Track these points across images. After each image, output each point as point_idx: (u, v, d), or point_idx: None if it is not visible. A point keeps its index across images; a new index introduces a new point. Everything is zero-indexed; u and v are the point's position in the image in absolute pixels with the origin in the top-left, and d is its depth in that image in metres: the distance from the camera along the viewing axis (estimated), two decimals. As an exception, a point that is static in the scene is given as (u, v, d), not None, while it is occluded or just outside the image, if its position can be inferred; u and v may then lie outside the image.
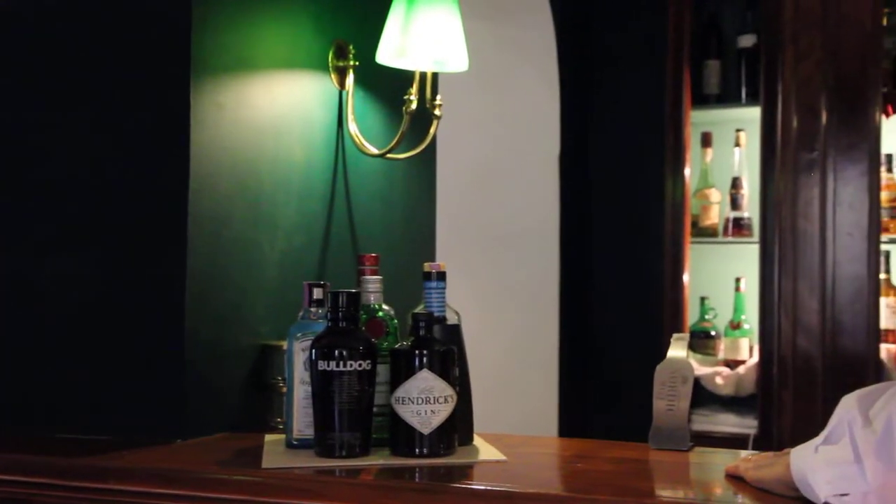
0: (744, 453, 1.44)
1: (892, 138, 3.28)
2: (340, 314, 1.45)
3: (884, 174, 3.18)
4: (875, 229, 3.08)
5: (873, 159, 3.09)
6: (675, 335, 1.60)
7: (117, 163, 1.67)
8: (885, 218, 3.19)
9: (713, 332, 3.51)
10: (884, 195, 3.18)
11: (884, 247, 3.18)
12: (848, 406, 1.13)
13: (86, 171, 1.69)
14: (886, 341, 3.21)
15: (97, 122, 1.69)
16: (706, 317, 3.52)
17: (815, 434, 1.18)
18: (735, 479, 1.32)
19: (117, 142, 1.68)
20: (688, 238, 3.39)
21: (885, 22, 3.17)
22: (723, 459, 1.45)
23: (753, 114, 3.30)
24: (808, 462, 1.14)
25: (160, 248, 1.63)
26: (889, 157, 3.26)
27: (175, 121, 1.62)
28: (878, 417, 1.09)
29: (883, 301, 3.17)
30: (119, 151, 1.67)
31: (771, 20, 3.23)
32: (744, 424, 3.26)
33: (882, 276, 3.19)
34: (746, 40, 3.48)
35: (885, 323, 3.19)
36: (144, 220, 1.65)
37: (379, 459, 1.43)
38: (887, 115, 3.19)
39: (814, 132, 3.14)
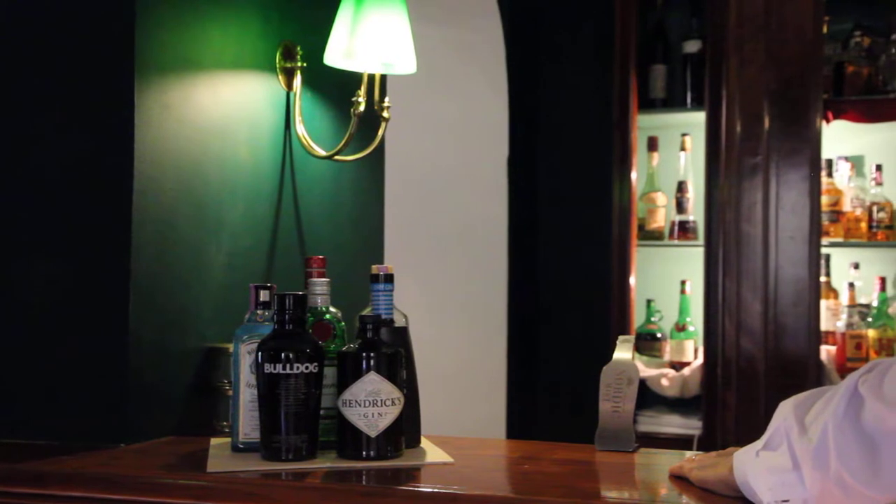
0: (688, 454, 1.46)
1: (833, 144, 3.34)
2: (287, 316, 1.44)
3: (824, 179, 3.24)
4: (816, 233, 3.14)
5: (814, 164, 3.15)
6: (621, 337, 1.62)
7: (60, 163, 1.64)
8: (825, 222, 3.25)
9: (659, 335, 3.55)
10: (824, 199, 3.24)
11: (824, 250, 3.24)
12: (784, 413, 1.16)
13: (28, 171, 1.66)
14: (826, 343, 3.27)
15: (39, 122, 1.66)
16: (652, 319, 3.56)
17: (758, 435, 1.20)
18: (679, 479, 1.33)
19: (60, 142, 1.65)
20: (634, 241, 3.43)
21: (825, 29, 3.24)
22: (668, 460, 1.46)
23: (698, 118, 3.35)
24: (750, 467, 1.18)
25: (103, 248, 1.61)
26: (829, 162, 3.32)
27: (119, 121, 1.59)
28: (813, 425, 1.12)
29: (823, 303, 3.23)
30: (62, 152, 1.64)
31: (716, 26, 3.27)
32: (688, 425, 3.30)
33: (822, 278, 3.26)
34: (692, 46, 3.53)
35: (825, 325, 3.25)
36: (87, 221, 1.62)
37: (325, 462, 1.43)
38: (828, 121, 3.25)
39: (757, 137, 3.19)
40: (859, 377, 1.12)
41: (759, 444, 1.18)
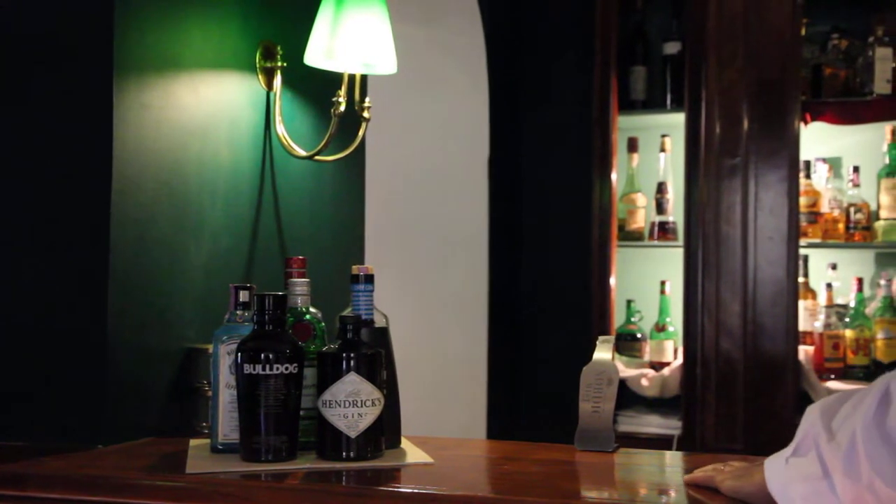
0: (668, 454, 1.46)
1: (811, 145, 3.37)
2: (267, 317, 1.44)
3: (802, 180, 3.26)
4: (794, 234, 3.16)
5: (793, 166, 3.17)
6: (601, 337, 1.62)
7: (38, 163, 1.64)
8: (803, 223, 3.27)
9: (639, 335, 3.56)
10: (802, 201, 3.26)
11: (802, 251, 3.26)
12: (812, 419, 1.13)
13: (5, 170, 1.65)
14: (805, 343, 3.29)
15: (16, 121, 1.65)
16: (632, 319, 3.57)
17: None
18: (702, 488, 1.29)
19: (38, 142, 1.64)
20: (614, 242, 3.44)
21: (804, 32, 3.26)
22: (648, 460, 1.47)
23: (678, 120, 3.36)
24: (782, 474, 1.15)
25: (82, 249, 1.60)
26: (807, 163, 3.34)
27: (98, 120, 1.59)
28: (841, 430, 1.09)
29: (801, 304, 3.25)
30: (40, 152, 1.64)
31: (695, 28, 3.29)
32: (668, 425, 3.31)
33: (801, 279, 3.27)
34: (672, 47, 3.54)
35: (803, 325, 3.27)
36: (66, 221, 1.61)
37: (305, 463, 1.43)
38: (806, 123, 3.28)
39: (736, 138, 3.21)
40: (892, 377, 1.08)
41: (788, 450, 1.15)
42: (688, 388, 3.24)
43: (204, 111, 1.81)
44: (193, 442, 1.59)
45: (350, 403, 1.42)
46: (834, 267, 3.39)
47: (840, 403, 1.12)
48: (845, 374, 3.27)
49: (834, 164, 3.46)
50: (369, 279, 1.53)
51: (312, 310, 1.57)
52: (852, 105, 3.33)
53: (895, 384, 1.06)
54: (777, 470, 1.16)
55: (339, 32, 1.79)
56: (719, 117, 3.22)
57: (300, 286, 1.56)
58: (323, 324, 1.57)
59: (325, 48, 1.80)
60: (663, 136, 3.56)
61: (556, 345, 3.57)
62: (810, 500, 1.10)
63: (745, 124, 3.20)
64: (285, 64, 1.97)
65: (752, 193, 3.18)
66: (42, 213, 1.62)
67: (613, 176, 3.42)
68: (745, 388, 3.14)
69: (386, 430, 1.49)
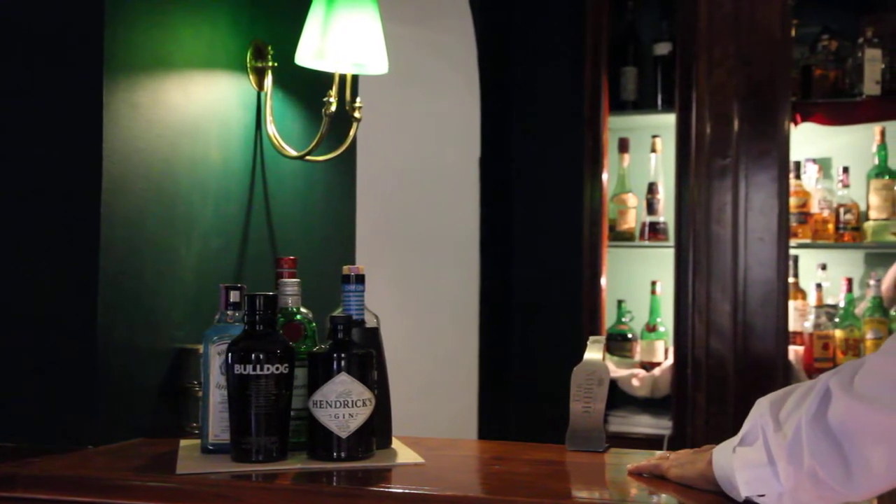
0: (657, 453, 1.47)
1: (801, 146, 3.38)
2: (257, 317, 1.44)
3: (792, 181, 3.27)
4: (784, 234, 3.17)
5: (783, 166, 3.18)
6: (591, 338, 1.62)
7: (28, 162, 1.63)
8: (793, 223, 3.28)
9: (630, 335, 3.56)
10: (792, 201, 3.27)
11: (792, 251, 3.27)
12: (761, 410, 1.19)
13: (-6, 170, 1.65)
14: (794, 343, 3.30)
15: (6, 121, 1.64)
16: (623, 319, 3.58)
17: (728, 433, 1.23)
18: (642, 476, 1.35)
19: (28, 141, 1.63)
20: (605, 242, 3.44)
21: (794, 33, 3.27)
22: (638, 460, 1.47)
23: (669, 120, 3.37)
24: (727, 462, 1.21)
25: (72, 249, 1.59)
26: (797, 164, 3.36)
27: (87, 120, 1.58)
28: (787, 421, 1.15)
29: (791, 304, 3.26)
30: (30, 151, 1.63)
31: (686, 29, 3.30)
32: (659, 425, 3.32)
33: (790, 279, 3.28)
34: (662, 48, 3.55)
35: (793, 325, 3.28)
36: (56, 221, 1.60)
37: (296, 464, 1.42)
38: (796, 124, 3.29)
39: (726, 139, 3.22)
40: (832, 375, 1.14)
41: (735, 439, 1.21)
42: (678, 388, 3.25)
43: (194, 111, 1.81)
44: (184, 442, 1.59)
45: (341, 404, 1.42)
46: (824, 267, 3.40)
47: (786, 396, 1.19)
48: (835, 374, 3.27)
49: (824, 165, 3.47)
50: (360, 279, 1.53)
51: (303, 310, 1.57)
52: (842, 106, 3.34)
53: (833, 382, 1.13)
54: (723, 457, 1.22)
55: (330, 32, 1.78)
56: (710, 118, 3.23)
57: (291, 286, 1.56)
58: (314, 324, 1.57)
59: (316, 48, 1.80)
60: (654, 136, 3.57)
61: (546, 345, 3.57)
62: (753, 485, 1.17)
63: (736, 125, 3.20)
64: (276, 64, 1.97)
65: (743, 194, 3.19)
66: (31, 213, 1.62)
67: (604, 176, 3.43)
68: (736, 388, 3.15)
69: (377, 430, 1.48)
